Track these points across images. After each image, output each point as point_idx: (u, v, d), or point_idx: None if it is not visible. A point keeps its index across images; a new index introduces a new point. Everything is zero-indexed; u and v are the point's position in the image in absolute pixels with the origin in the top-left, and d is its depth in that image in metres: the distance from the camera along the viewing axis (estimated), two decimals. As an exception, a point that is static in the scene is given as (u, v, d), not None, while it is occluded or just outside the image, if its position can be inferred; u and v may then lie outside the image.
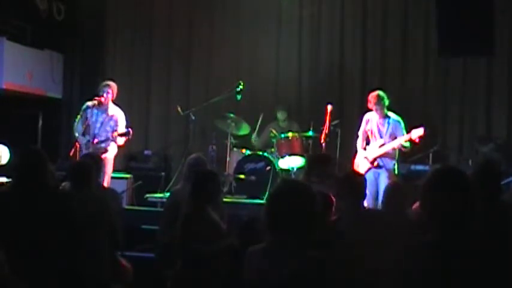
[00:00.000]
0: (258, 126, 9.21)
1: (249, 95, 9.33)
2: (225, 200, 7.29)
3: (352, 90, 9.83)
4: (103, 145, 7.61)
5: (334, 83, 9.89)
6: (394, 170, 7.55)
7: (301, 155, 8.64)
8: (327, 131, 8.05)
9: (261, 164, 8.72)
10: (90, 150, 7.43)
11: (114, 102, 7.86)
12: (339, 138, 8.58)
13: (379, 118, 7.52)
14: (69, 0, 10.09)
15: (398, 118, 7.53)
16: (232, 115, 8.93)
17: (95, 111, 7.67)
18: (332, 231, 3.98)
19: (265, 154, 8.80)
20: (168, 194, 7.17)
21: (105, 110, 7.71)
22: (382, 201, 4.63)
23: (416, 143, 7.37)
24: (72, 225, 3.98)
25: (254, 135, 9.22)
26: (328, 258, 3.04)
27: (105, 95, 7.64)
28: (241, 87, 8.82)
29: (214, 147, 9.19)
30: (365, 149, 7.67)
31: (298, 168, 8.60)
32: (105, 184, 7.38)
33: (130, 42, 10.65)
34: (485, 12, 8.12)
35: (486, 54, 8.59)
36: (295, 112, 9.72)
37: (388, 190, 4.60)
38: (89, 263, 4.36)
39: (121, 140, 7.64)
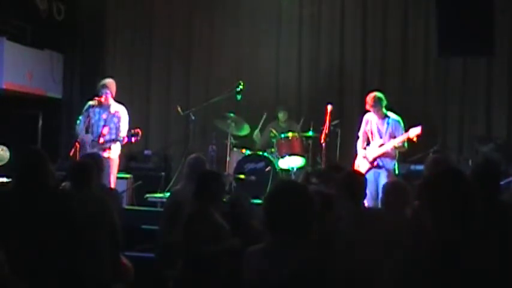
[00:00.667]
0: (261, 123, 9.21)
1: (249, 95, 9.32)
2: (225, 200, 7.29)
3: (352, 90, 9.83)
4: (108, 145, 7.60)
5: (334, 83, 9.90)
6: (394, 170, 7.55)
7: (301, 155, 8.64)
8: (327, 131, 8.05)
9: (261, 164, 8.72)
10: (95, 149, 7.42)
11: (115, 99, 7.84)
12: (339, 138, 8.59)
13: (379, 119, 7.53)
14: (69, 0, 10.09)
15: (398, 118, 7.53)
16: (232, 115, 8.93)
17: (97, 109, 7.66)
18: (332, 231, 3.98)
19: (265, 154, 8.80)
20: (168, 194, 7.17)
21: (108, 108, 7.69)
22: (381, 200, 4.63)
23: (414, 142, 7.37)
24: (72, 225, 3.98)
25: (256, 132, 9.22)
26: (328, 258, 3.04)
27: (104, 95, 7.63)
28: (241, 87, 8.82)
29: (214, 147, 9.20)
30: (365, 149, 7.67)
31: (298, 168, 8.60)
32: (112, 185, 7.39)
33: (131, 42, 10.65)
34: (485, 12, 8.12)
35: (486, 54, 8.59)
36: (295, 112, 9.71)
37: (388, 188, 4.59)
38: (89, 263, 4.36)
39: (126, 139, 7.60)
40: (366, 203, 5.90)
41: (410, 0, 9.69)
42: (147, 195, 8.54)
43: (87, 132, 7.63)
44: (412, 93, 9.54)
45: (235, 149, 9.06)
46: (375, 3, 9.81)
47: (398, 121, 7.50)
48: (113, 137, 7.60)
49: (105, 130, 7.63)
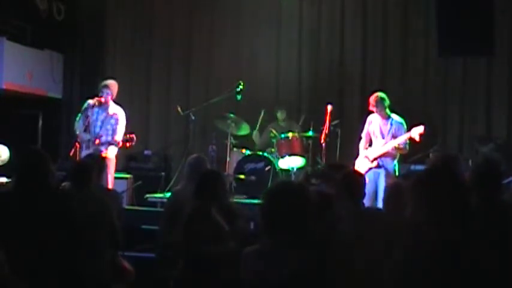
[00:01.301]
0: (259, 121, 9.21)
1: (249, 95, 9.32)
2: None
3: (352, 90, 9.83)
4: (103, 147, 7.61)
5: (334, 83, 9.89)
6: (395, 170, 7.55)
7: (301, 155, 8.64)
8: (327, 131, 8.05)
9: (261, 164, 8.72)
10: (91, 150, 7.43)
11: (114, 101, 7.85)
12: (339, 138, 8.58)
13: (382, 119, 7.53)
14: (69, 0, 10.09)
15: (401, 120, 7.53)
16: (232, 115, 8.93)
17: (96, 109, 7.66)
18: (332, 231, 3.98)
19: (265, 154, 8.80)
20: (168, 194, 7.17)
21: (106, 109, 7.70)
22: (383, 201, 4.62)
23: (417, 141, 7.37)
24: (72, 226, 3.98)
25: (255, 132, 9.22)
26: (328, 258, 3.04)
27: (104, 95, 7.64)
28: (241, 87, 8.82)
29: (214, 147, 9.20)
30: (367, 149, 7.68)
31: (298, 168, 8.60)
32: (109, 184, 7.39)
33: (131, 42, 10.65)
34: (485, 12, 8.12)
35: (486, 54, 8.60)
36: (295, 112, 9.71)
37: (389, 190, 4.59)
38: (89, 263, 4.36)
39: (121, 143, 7.61)
40: (365, 202, 5.90)
41: (410, 0, 9.69)
42: (147, 195, 8.54)
43: (85, 131, 7.64)
44: (412, 93, 9.54)
45: (235, 149, 9.06)
46: (374, 3, 9.81)
47: (401, 123, 7.50)
48: (109, 138, 7.61)
49: (102, 131, 7.64)
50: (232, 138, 9.00)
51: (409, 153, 7.96)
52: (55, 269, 3.84)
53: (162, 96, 10.46)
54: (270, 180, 8.35)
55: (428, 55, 9.48)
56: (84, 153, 7.33)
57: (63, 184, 5.49)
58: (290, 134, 8.70)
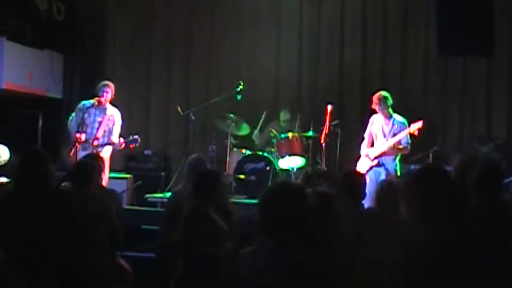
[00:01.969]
0: (261, 122, 9.20)
1: (249, 95, 9.32)
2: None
3: (352, 90, 9.83)
4: (100, 149, 7.62)
5: (334, 83, 9.89)
6: (396, 170, 7.56)
7: (301, 155, 8.64)
8: (327, 131, 8.06)
9: (261, 164, 8.72)
10: (88, 151, 7.44)
11: (113, 102, 7.86)
12: (339, 138, 8.58)
13: (384, 118, 7.53)
14: (69, 0, 10.08)
15: (404, 120, 7.54)
16: (232, 115, 8.93)
17: (93, 110, 7.67)
18: (332, 231, 3.98)
19: (265, 154, 8.80)
20: (168, 194, 7.17)
21: (104, 110, 7.72)
22: (375, 199, 4.62)
23: (416, 136, 7.38)
24: (72, 226, 3.98)
25: (256, 131, 9.19)
26: (328, 258, 3.04)
27: (104, 94, 7.65)
28: (241, 87, 8.82)
29: (214, 147, 9.20)
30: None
31: (298, 168, 8.60)
32: (104, 184, 7.38)
33: (131, 42, 10.65)
34: (485, 12, 8.12)
35: (486, 54, 8.59)
36: (295, 112, 9.70)
37: (382, 188, 4.58)
38: (89, 263, 4.36)
39: (120, 143, 7.63)
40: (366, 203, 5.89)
41: (410, 0, 9.69)
42: (147, 195, 8.54)
43: (79, 131, 7.62)
44: (412, 93, 9.54)
45: (235, 149, 9.06)
46: (374, 3, 9.81)
47: (403, 123, 7.51)
48: (105, 140, 7.63)
49: (100, 133, 7.64)
50: (232, 138, 9.00)
51: (409, 153, 7.97)
52: (55, 269, 3.84)
53: (162, 96, 10.46)
54: (270, 180, 8.35)
55: (428, 55, 9.48)
56: (82, 154, 7.33)
57: (63, 184, 5.49)
58: (290, 134, 8.69)
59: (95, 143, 7.58)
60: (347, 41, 9.89)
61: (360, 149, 7.81)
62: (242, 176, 8.62)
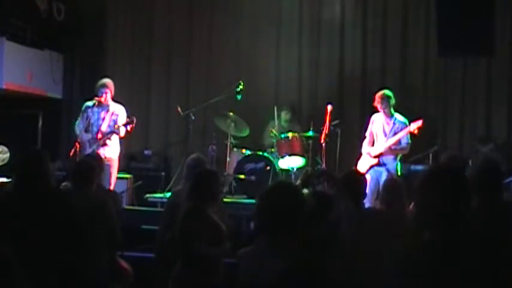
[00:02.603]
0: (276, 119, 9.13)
1: (249, 95, 9.32)
2: (225, 200, 7.30)
3: (352, 90, 9.83)
4: (105, 138, 7.62)
5: (334, 83, 9.89)
6: (397, 170, 7.56)
7: (301, 155, 8.64)
8: (327, 131, 8.06)
9: (261, 164, 8.72)
10: (94, 147, 7.46)
11: (114, 99, 7.86)
12: (339, 138, 8.58)
13: (385, 118, 7.54)
14: (69, 0, 10.08)
15: (405, 120, 7.54)
16: (232, 115, 8.93)
17: (96, 109, 7.68)
18: (332, 231, 3.98)
19: (265, 154, 8.80)
20: (168, 194, 7.17)
21: (107, 108, 7.73)
22: (380, 197, 4.62)
23: (415, 134, 7.40)
24: (72, 225, 3.98)
25: (276, 128, 9.08)
26: (328, 258, 3.04)
27: (104, 95, 7.65)
28: (241, 87, 8.83)
29: (214, 147, 9.19)
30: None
31: (298, 168, 8.60)
32: (112, 185, 7.41)
33: (130, 42, 10.65)
34: (485, 12, 8.11)
35: (486, 54, 8.59)
36: (295, 112, 9.71)
37: (386, 186, 4.58)
38: (89, 262, 4.36)
39: (123, 130, 7.60)
40: (367, 202, 5.90)
41: (410, 0, 9.69)
42: (147, 195, 8.54)
43: (86, 131, 7.65)
44: (412, 93, 9.54)
45: (235, 149, 9.06)
46: (375, 3, 9.81)
47: (404, 122, 7.52)
48: (109, 129, 7.63)
49: (104, 127, 7.65)
50: (232, 138, 9.00)
51: (409, 153, 7.98)
52: (55, 269, 3.85)
53: (162, 96, 10.46)
54: (270, 180, 8.35)
55: (428, 55, 9.48)
56: (89, 151, 7.36)
57: (63, 184, 5.49)
58: (290, 134, 8.69)
59: (99, 136, 7.58)
60: (347, 41, 9.89)
61: (361, 147, 7.81)
62: (242, 176, 8.62)
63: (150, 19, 10.58)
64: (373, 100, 7.60)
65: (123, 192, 7.89)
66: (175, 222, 4.71)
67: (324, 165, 8.27)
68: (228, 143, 8.90)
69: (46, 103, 10.28)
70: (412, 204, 4.20)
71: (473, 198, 3.39)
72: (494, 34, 8.25)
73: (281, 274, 2.81)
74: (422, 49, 9.57)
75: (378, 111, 7.64)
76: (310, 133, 8.67)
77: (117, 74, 10.24)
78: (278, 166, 8.65)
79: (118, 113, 7.76)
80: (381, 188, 7.22)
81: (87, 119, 7.65)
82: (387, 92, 7.55)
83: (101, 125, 7.66)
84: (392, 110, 7.56)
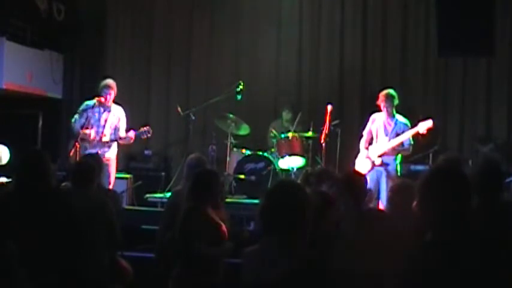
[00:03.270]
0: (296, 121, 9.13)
1: (249, 95, 9.33)
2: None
3: (352, 90, 9.83)
4: (110, 143, 7.69)
5: (334, 83, 9.89)
6: (397, 170, 7.55)
7: (301, 155, 8.64)
8: (327, 131, 8.06)
9: (261, 164, 8.72)
10: (97, 148, 7.51)
11: (114, 100, 7.88)
12: (339, 138, 8.58)
13: (387, 117, 7.53)
14: (69, 0, 10.08)
15: (406, 121, 7.54)
16: (232, 115, 8.93)
17: (97, 109, 7.68)
18: (332, 231, 3.98)
19: (265, 154, 8.80)
20: (168, 194, 7.17)
21: (109, 108, 7.76)
22: (387, 200, 4.61)
23: (425, 135, 7.39)
24: (73, 225, 3.98)
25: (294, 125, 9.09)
26: (328, 258, 3.04)
27: (107, 97, 7.68)
28: (241, 87, 8.83)
29: (214, 147, 9.20)
30: (367, 148, 7.66)
31: (298, 168, 8.60)
32: (111, 185, 7.42)
33: (131, 42, 10.65)
34: (485, 12, 8.11)
35: (486, 54, 8.59)
36: (296, 112, 9.70)
37: (394, 189, 4.56)
38: (89, 263, 4.36)
39: (132, 134, 7.75)
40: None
41: (410, 0, 9.69)
42: (147, 195, 8.55)
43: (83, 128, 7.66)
44: (412, 93, 9.54)
45: (235, 149, 9.06)
46: (375, 3, 9.81)
47: (406, 124, 7.51)
48: (112, 137, 7.66)
49: (107, 130, 7.67)
50: (232, 138, 9.00)
51: (410, 153, 7.97)
52: (56, 269, 3.84)
53: (162, 96, 10.46)
54: (270, 180, 8.35)
55: (428, 55, 9.48)
56: (90, 151, 7.38)
57: (63, 184, 5.49)
58: (290, 134, 8.70)
59: (104, 139, 7.60)
60: (347, 41, 9.89)
61: (358, 148, 7.81)
62: (242, 176, 8.63)
63: (150, 19, 10.57)
64: (377, 98, 7.59)
65: (123, 192, 7.90)
66: (175, 222, 4.71)
67: (323, 165, 8.26)
68: (228, 143, 8.90)
69: (46, 103, 10.28)
70: (414, 204, 4.20)
71: (474, 198, 3.39)
72: (494, 34, 8.25)
73: (288, 274, 2.81)
74: (422, 49, 9.57)
75: (380, 111, 7.62)
76: (310, 133, 8.67)
77: (117, 74, 10.22)
78: (278, 166, 8.65)
79: (119, 115, 7.79)
80: (383, 191, 7.26)
81: (86, 118, 7.65)
82: (392, 91, 7.54)
83: (103, 126, 7.67)
84: (394, 110, 7.55)
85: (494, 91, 9.30)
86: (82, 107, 7.76)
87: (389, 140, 7.47)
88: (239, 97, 8.88)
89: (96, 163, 5.32)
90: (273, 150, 8.87)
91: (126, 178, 8.89)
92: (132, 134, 7.70)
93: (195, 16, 10.41)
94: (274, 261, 2.89)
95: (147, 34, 10.57)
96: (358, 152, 7.78)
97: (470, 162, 8.35)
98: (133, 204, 8.47)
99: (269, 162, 8.66)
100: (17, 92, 9.47)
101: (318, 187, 4.60)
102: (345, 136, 8.64)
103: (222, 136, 9.09)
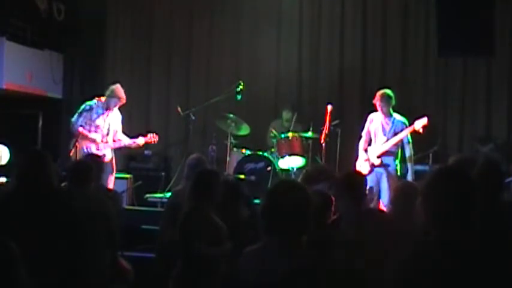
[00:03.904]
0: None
1: (249, 95, 9.33)
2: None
3: (352, 90, 9.83)
4: (118, 146, 7.86)
5: (334, 83, 9.89)
6: (396, 170, 7.55)
7: (301, 155, 8.64)
8: (327, 131, 8.06)
9: (261, 164, 8.72)
10: (104, 150, 7.63)
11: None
12: (339, 138, 8.58)
13: (384, 117, 7.53)
14: (69, 0, 10.08)
15: (404, 120, 7.54)
16: (232, 115, 8.93)
17: (100, 110, 7.73)
18: (332, 231, 3.98)
19: (265, 154, 8.80)
20: (168, 194, 7.17)
21: (111, 113, 7.86)
22: (390, 202, 4.60)
23: (420, 133, 7.39)
24: (73, 225, 3.98)
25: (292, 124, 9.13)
26: (328, 258, 3.04)
27: (115, 109, 7.80)
28: (241, 87, 8.83)
29: (214, 147, 9.20)
30: (366, 150, 7.66)
31: (298, 168, 8.60)
32: (109, 184, 7.45)
33: (131, 42, 10.65)
34: (485, 12, 8.11)
35: (486, 54, 8.59)
36: (296, 112, 9.70)
37: (397, 191, 4.55)
38: (89, 263, 4.36)
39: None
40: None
41: (410, 1, 9.69)
42: (147, 195, 8.55)
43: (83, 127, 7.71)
44: (412, 93, 9.54)
45: (235, 149, 9.06)
46: (375, 3, 9.81)
47: (403, 122, 7.51)
48: (116, 144, 7.85)
49: (113, 133, 7.83)
50: (232, 138, 9.00)
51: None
52: (56, 269, 3.84)
53: (162, 96, 10.46)
54: (270, 180, 8.35)
55: (428, 55, 9.48)
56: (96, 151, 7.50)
57: (62, 184, 5.48)
58: (290, 134, 8.70)
59: (116, 145, 7.79)
60: (347, 41, 9.89)
61: (358, 148, 7.81)
62: (242, 176, 8.62)
63: (150, 19, 10.58)
64: (373, 98, 7.59)
65: (123, 192, 7.90)
66: (175, 222, 4.71)
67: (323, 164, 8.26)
68: (228, 143, 8.90)
69: (46, 103, 10.27)
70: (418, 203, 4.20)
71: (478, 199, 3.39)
72: (494, 34, 8.25)
73: (288, 274, 2.81)
74: (422, 49, 9.57)
75: (377, 110, 7.62)
76: (310, 133, 8.68)
77: (117, 74, 10.25)
78: (278, 166, 8.65)
79: (118, 119, 7.91)
80: (383, 191, 7.26)
81: (90, 119, 7.69)
82: (388, 92, 7.54)
83: (107, 130, 7.77)
84: (391, 110, 7.54)
85: (494, 91, 9.30)
86: (85, 107, 7.78)
87: (388, 139, 7.46)
88: (239, 97, 8.88)
89: (95, 163, 5.32)
90: (273, 150, 8.88)
91: (126, 178, 8.89)
92: (141, 140, 7.91)
93: (195, 16, 10.41)
94: (274, 261, 2.89)
95: (147, 34, 10.57)
96: (358, 152, 7.77)
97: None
98: (133, 204, 8.47)
99: (269, 162, 8.66)
100: (17, 92, 9.47)
101: (314, 185, 4.57)
102: (345, 136, 8.64)
103: (222, 136, 9.09)
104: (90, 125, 7.67)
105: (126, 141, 7.94)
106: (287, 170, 8.71)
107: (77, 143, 7.53)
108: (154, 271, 5.41)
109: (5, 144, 8.16)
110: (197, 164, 5.66)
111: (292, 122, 9.04)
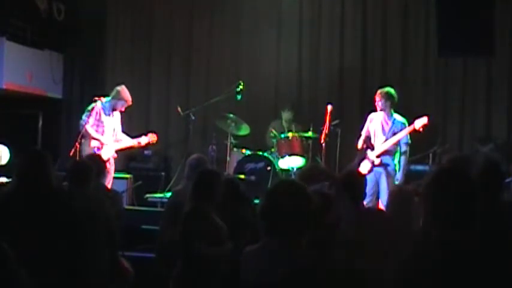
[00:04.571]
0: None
1: (249, 95, 9.33)
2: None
3: (352, 90, 9.83)
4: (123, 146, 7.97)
5: (334, 83, 9.89)
6: (396, 170, 7.55)
7: (301, 155, 8.64)
8: (327, 131, 8.06)
9: (261, 164, 8.72)
10: (110, 150, 7.74)
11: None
12: (339, 138, 8.58)
13: (385, 115, 7.52)
14: (69, 0, 10.09)
15: (404, 121, 7.53)
16: (232, 115, 8.93)
17: (107, 112, 7.83)
18: (332, 231, 3.98)
19: (265, 154, 8.80)
20: (168, 194, 7.18)
21: (115, 115, 7.97)
22: (386, 207, 4.60)
23: (421, 132, 7.39)
24: (74, 225, 3.98)
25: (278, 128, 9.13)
26: (328, 259, 3.04)
27: (121, 110, 7.92)
28: (241, 87, 8.84)
29: (214, 147, 9.20)
30: (362, 148, 7.65)
31: (298, 168, 8.60)
32: (109, 184, 7.47)
33: (131, 42, 10.65)
34: (485, 12, 8.11)
35: (486, 54, 8.58)
36: (295, 112, 9.71)
37: (393, 196, 4.55)
38: (89, 263, 4.36)
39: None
40: (367, 203, 5.89)
41: (410, 1, 9.69)
42: (147, 195, 8.55)
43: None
44: (412, 93, 9.53)
45: (235, 149, 9.06)
46: (375, 3, 9.81)
47: (403, 123, 7.50)
48: (119, 144, 7.91)
49: (119, 134, 7.96)
50: (232, 138, 9.01)
51: (409, 153, 7.96)
52: (56, 269, 3.84)
53: (162, 96, 10.46)
54: (270, 180, 8.35)
55: (428, 55, 9.48)
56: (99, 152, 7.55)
57: (63, 184, 5.49)
58: (290, 134, 8.70)
59: (121, 145, 7.90)
60: (347, 41, 9.89)
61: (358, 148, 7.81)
62: (242, 176, 8.61)
63: (150, 19, 10.58)
64: (374, 96, 7.58)
65: (123, 192, 7.90)
66: (175, 222, 4.71)
67: (323, 164, 8.26)
68: (228, 143, 8.91)
69: (46, 103, 10.28)
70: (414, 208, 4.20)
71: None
72: (494, 34, 8.25)
73: (288, 274, 2.81)
74: (422, 49, 9.57)
75: (376, 110, 7.61)
76: (310, 133, 8.68)
77: (117, 74, 10.26)
78: (278, 166, 8.65)
79: (118, 119, 8.00)
80: (382, 191, 7.26)
81: (99, 119, 7.76)
82: (391, 90, 7.53)
83: (113, 129, 7.88)
84: (392, 109, 7.54)
85: (494, 91, 9.29)
86: (96, 108, 7.79)
87: (387, 139, 7.45)
88: (239, 97, 8.89)
89: (96, 164, 5.32)
90: (273, 150, 8.88)
91: (126, 178, 8.89)
92: (145, 140, 8.05)
93: (195, 16, 10.41)
94: (274, 261, 2.89)
95: (147, 34, 10.57)
96: (358, 152, 7.77)
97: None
98: (133, 204, 8.47)
99: (269, 162, 8.66)
100: (17, 92, 9.48)
101: (318, 186, 4.57)
102: (345, 136, 8.64)
103: (222, 136, 9.09)
104: (98, 126, 7.73)
105: (129, 141, 7.98)
106: (287, 170, 8.71)
107: (77, 144, 7.53)
108: (154, 271, 5.41)
109: (5, 144, 8.17)
110: (198, 164, 5.66)
111: (292, 122, 9.04)
